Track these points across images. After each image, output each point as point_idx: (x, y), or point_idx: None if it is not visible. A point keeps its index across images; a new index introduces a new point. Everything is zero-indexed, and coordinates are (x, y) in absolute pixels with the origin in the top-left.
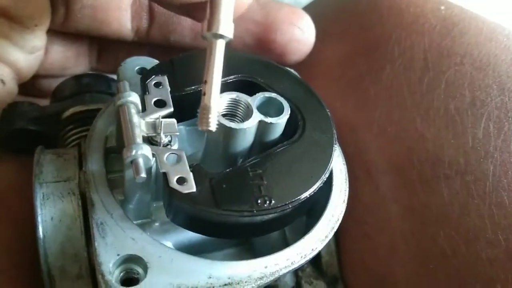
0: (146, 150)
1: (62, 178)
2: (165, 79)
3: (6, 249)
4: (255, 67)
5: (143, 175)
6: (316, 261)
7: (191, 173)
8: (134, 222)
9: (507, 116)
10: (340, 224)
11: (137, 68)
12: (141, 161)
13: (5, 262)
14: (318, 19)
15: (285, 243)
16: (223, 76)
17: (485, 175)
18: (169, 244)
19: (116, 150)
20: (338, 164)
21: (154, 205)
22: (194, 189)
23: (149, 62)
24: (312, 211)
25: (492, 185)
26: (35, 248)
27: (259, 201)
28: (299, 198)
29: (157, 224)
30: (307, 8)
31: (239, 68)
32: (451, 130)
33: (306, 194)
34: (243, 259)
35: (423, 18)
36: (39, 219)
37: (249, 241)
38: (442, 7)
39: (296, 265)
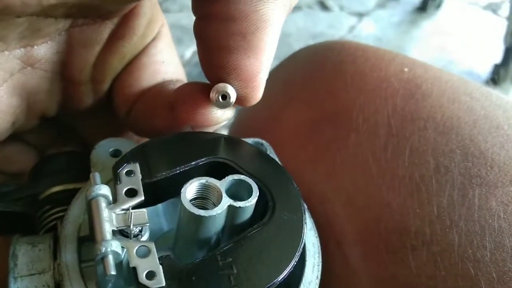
0: (116, 246)
1: (37, 271)
2: (136, 167)
3: None
4: (226, 147)
5: (113, 272)
6: None
7: (160, 267)
8: None
9: (471, 182)
10: None
11: (111, 150)
12: (110, 258)
13: None
14: (284, 87)
15: None
16: (194, 159)
17: (451, 245)
18: None
19: (89, 238)
20: (310, 238)
21: None
22: (163, 284)
23: (123, 143)
24: (289, 284)
25: (458, 256)
26: None
27: None
28: (271, 285)
29: None
30: (274, 72)
31: (210, 150)
32: (416, 198)
33: (278, 280)
34: None
35: (386, 82)
36: None
37: None
38: (406, 69)
39: None
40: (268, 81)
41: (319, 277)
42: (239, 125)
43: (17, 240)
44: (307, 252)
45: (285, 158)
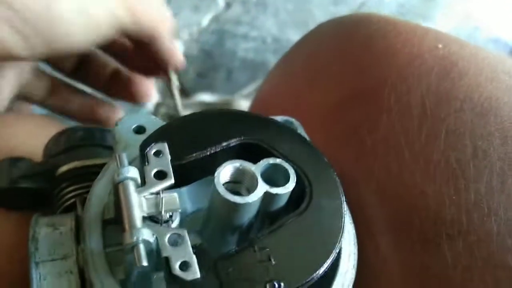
0: (147, 234)
1: (59, 256)
2: (165, 147)
3: None
4: (257, 126)
5: (145, 263)
6: None
7: (194, 257)
8: None
9: (511, 168)
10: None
11: (134, 126)
12: (142, 247)
13: None
14: (310, 62)
15: None
16: (225, 140)
17: (489, 235)
18: None
19: (114, 221)
20: (346, 225)
21: (155, 277)
22: (198, 276)
23: (148, 119)
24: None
25: (496, 246)
26: None
27: (267, 286)
28: (311, 278)
29: None
30: (299, 45)
31: (240, 130)
32: (453, 185)
33: (319, 272)
34: None
35: (420, 59)
36: None
37: None
38: (440, 45)
39: None
40: (290, 55)
41: (355, 266)
42: (260, 102)
43: (36, 221)
44: (343, 240)
45: (312, 141)
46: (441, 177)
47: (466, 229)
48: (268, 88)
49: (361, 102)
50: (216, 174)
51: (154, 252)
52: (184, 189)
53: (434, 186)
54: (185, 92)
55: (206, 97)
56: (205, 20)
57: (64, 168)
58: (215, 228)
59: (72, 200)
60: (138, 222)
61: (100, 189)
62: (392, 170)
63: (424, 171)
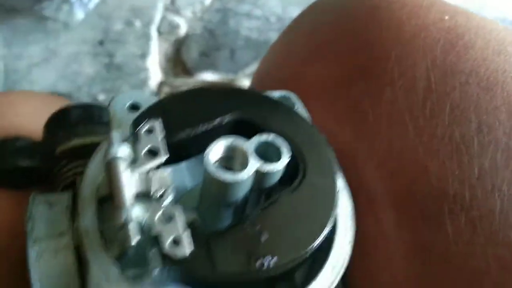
0: (137, 212)
1: (55, 233)
2: (157, 124)
3: None
4: (251, 103)
5: (134, 243)
6: None
7: (186, 234)
8: (132, 272)
9: None
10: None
11: (128, 104)
12: (131, 226)
13: None
14: (311, 37)
15: (292, 286)
16: (218, 116)
17: (492, 211)
18: None
19: (109, 198)
20: (342, 199)
21: (152, 251)
22: (188, 253)
23: (142, 96)
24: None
25: (499, 222)
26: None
27: (258, 262)
28: (303, 254)
29: (156, 271)
30: (299, 20)
31: (234, 106)
32: (456, 160)
33: (311, 247)
34: None
35: (425, 31)
36: (34, 278)
37: None
38: (446, 17)
39: None
40: (291, 30)
41: (352, 241)
42: (260, 77)
43: (34, 199)
44: (339, 216)
45: (312, 116)
46: (444, 152)
47: (469, 205)
48: (267, 63)
49: (363, 77)
50: (206, 152)
51: (147, 230)
52: (183, 165)
53: (437, 161)
54: (188, 71)
55: (209, 76)
56: None
57: (63, 146)
58: (209, 205)
59: (71, 178)
60: (128, 200)
61: (95, 166)
62: (394, 145)
63: (427, 146)
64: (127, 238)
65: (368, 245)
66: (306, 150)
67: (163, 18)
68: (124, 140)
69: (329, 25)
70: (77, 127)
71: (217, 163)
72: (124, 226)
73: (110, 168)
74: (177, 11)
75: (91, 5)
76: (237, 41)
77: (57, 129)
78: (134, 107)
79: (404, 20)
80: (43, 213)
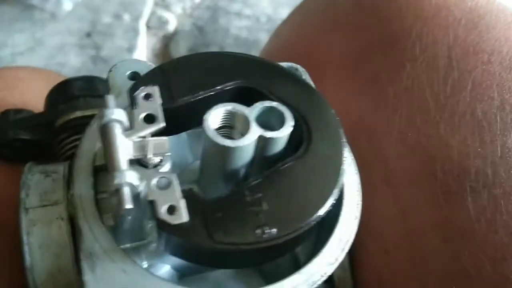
0: (132, 177)
1: (49, 202)
2: (155, 90)
3: (5, 262)
4: (254, 70)
5: (129, 206)
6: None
7: (182, 201)
8: (128, 245)
9: None
10: (355, 237)
11: (128, 73)
12: (126, 190)
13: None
14: (328, 9)
15: (296, 264)
16: (220, 83)
17: None
18: (167, 267)
19: (105, 167)
20: (349, 174)
21: (150, 225)
22: (185, 220)
23: (143, 65)
24: (323, 224)
25: None
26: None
27: (257, 232)
28: (304, 225)
29: (153, 245)
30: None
31: (237, 73)
32: (478, 137)
33: (312, 220)
34: (250, 281)
35: (446, 10)
36: (26, 248)
37: None
38: None
39: None
40: (304, 5)
41: (358, 217)
42: (273, 48)
43: (29, 169)
44: (345, 190)
45: (326, 89)
46: (466, 129)
47: (491, 182)
48: (279, 37)
49: (382, 52)
50: (205, 116)
51: (142, 198)
52: (184, 136)
53: (459, 137)
54: None
55: None
56: None
57: (63, 118)
58: (210, 175)
59: (71, 151)
60: (123, 164)
61: (91, 136)
62: (415, 121)
63: (449, 122)
64: (121, 202)
65: (382, 221)
66: (311, 119)
67: (153, 13)
68: (123, 108)
69: (346, 0)
70: (78, 100)
71: (217, 131)
72: (118, 190)
73: (105, 130)
74: (167, 7)
75: None
76: (226, 39)
77: (58, 101)
78: (134, 75)
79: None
80: (38, 182)
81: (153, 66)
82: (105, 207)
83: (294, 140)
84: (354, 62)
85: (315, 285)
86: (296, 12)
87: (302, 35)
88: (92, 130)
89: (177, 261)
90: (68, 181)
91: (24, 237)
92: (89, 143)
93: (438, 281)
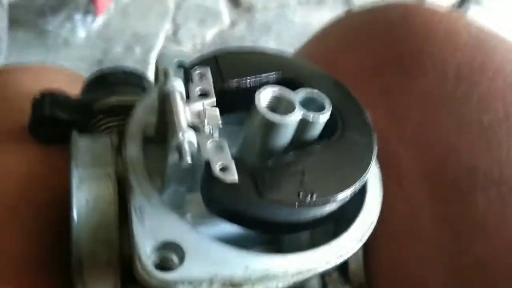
0: (192, 136)
1: (99, 163)
2: (208, 71)
3: (26, 234)
4: (293, 64)
5: (189, 160)
6: (343, 267)
7: (233, 162)
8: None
9: None
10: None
11: (175, 60)
12: (187, 146)
13: (24, 247)
14: (344, 32)
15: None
16: (264, 73)
17: None
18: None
19: (154, 140)
20: (372, 168)
21: (188, 197)
22: (236, 178)
23: (186, 55)
24: (341, 218)
25: None
26: (56, 233)
27: (301, 194)
28: (340, 194)
29: (188, 216)
30: (333, 22)
31: (279, 65)
32: (485, 141)
33: (348, 192)
34: None
35: (455, 35)
36: (74, 201)
37: (279, 240)
38: (474, 26)
39: (332, 264)
40: (324, 30)
41: (380, 204)
42: None
43: (77, 135)
44: (368, 180)
45: None
46: (473, 135)
47: (498, 181)
48: (302, 52)
49: (395, 68)
50: (256, 93)
51: (196, 156)
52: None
53: (467, 141)
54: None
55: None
56: (210, 35)
57: (102, 102)
58: (248, 152)
59: (106, 132)
60: (184, 125)
61: (141, 109)
62: (426, 126)
63: (458, 128)
64: (182, 157)
65: (396, 219)
66: (346, 111)
67: (164, 47)
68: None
69: (361, 23)
70: (117, 87)
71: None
72: (179, 147)
73: (168, 97)
74: (178, 42)
75: (94, 26)
76: None
77: (97, 87)
78: (181, 63)
79: (435, 23)
80: (87, 146)
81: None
82: (152, 173)
83: (329, 128)
84: (367, 77)
85: (343, 259)
86: (316, 36)
87: (320, 56)
88: (144, 104)
89: (208, 233)
90: (119, 146)
91: (74, 192)
92: (140, 116)
93: (451, 270)
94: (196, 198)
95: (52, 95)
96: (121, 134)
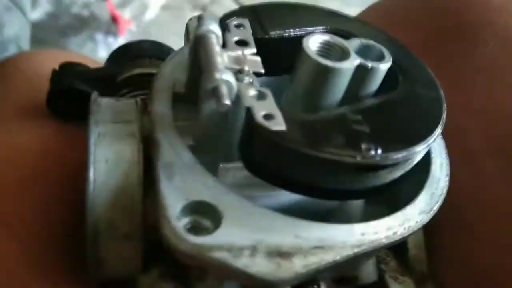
0: (230, 76)
1: (121, 120)
2: (247, 22)
3: (33, 210)
4: (343, 20)
5: (228, 101)
6: (401, 255)
7: (279, 111)
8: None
9: None
10: (435, 215)
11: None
12: (225, 87)
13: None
14: (393, 9)
15: None
16: (310, 26)
17: None
18: None
19: (184, 98)
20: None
21: (221, 166)
22: (284, 127)
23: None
24: (399, 198)
25: None
26: (71, 211)
27: (363, 146)
28: (412, 150)
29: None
30: (381, 4)
31: (326, 20)
32: None
33: (420, 148)
34: None
35: None
36: (92, 159)
37: (329, 214)
38: None
39: (398, 237)
40: (378, 4)
41: (448, 176)
42: None
43: (97, 94)
44: (433, 151)
45: None
46: None
47: None
48: None
49: (451, 38)
50: (304, 39)
51: (230, 117)
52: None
53: None
54: None
55: None
56: None
57: (127, 73)
58: (299, 109)
59: None
60: (221, 66)
61: (170, 65)
62: (494, 96)
63: None
64: (219, 99)
65: (465, 197)
66: (405, 65)
67: None
68: None
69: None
70: (144, 59)
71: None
72: (216, 88)
73: (201, 39)
74: None
75: (116, 46)
76: None
77: (122, 59)
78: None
79: None
80: (109, 103)
81: None
82: (183, 132)
83: (388, 83)
84: (420, 49)
85: (411, 232)
86: (370, 8)
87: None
88: (174, 60)
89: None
90: (143, 106)
91: (91, 148)
92: (169, 71)
93: None
94: (231, 169)
95: (71, 65)
96: (147, 97)
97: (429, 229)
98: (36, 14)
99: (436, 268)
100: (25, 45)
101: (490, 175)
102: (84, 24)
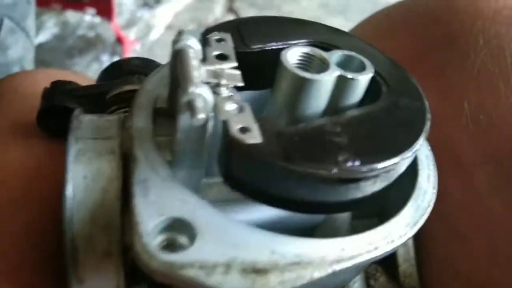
0: (205, 91)
1: (102, 136)
2: (228, 36)
3: (25, 230)
4: (324, 31)
5: (202, 115)
6: (391, 269)
7: (256, 124)
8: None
9: None
10: (423, 225)
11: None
12: (199, 101)
13: (23, 243)
14: (384, 20)
15: None
16: (291, 39)
17: None
18: None
19: (166, 113)
20: (423, 150)
21: (204, 181)
22: (260, 140)
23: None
24: (387, 210)
25: None
26: (59, 230)
27: (340, 158)
28: (392, 161)
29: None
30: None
31: (307, 32)
32: None
33: (399, 158)
34: None
35: (507, 10)
36: (69, 175)
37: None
38: None
39: (380, 252)
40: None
41: (436, 188)
42: None
43: (80, 111)
44: (420, 163)
45: None
46: None
47: None
48: None
49: (442, 48)
50: (282, 52)
51: (209, 131)
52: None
53: None
54: None
55: None
56: None
57: (116, 91)
58: (278, 121)
59: None
60: (196, 80)
61: (152, 81)
62: (486, 105)
63: None
64: (193, 113)
65: (457, 209)
66: (389, 76)
67: None
68: None
69: (402, 9)
70: (133, 76)
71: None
72: (190, 102)
73: (179, 53)
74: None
75: None
76: None
77: (112, 76)
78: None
79: (482, 3)
80: (91, 120)
81: None
82: (163, 145)
83: (371, 95)
84: (412, 60)
85: (394, 246)
86: (360, 23)
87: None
88: (156, 76)
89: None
90: (124, 123)
91: (70, 165)
92: (151, 87)
93: None
94: (215, 184)
95: (63, 83)
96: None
97: (420, 242)
98: (42, 36)
99: (427, 282)
100: (29, 66)
101: (482, 186)
102: (90, 45)
